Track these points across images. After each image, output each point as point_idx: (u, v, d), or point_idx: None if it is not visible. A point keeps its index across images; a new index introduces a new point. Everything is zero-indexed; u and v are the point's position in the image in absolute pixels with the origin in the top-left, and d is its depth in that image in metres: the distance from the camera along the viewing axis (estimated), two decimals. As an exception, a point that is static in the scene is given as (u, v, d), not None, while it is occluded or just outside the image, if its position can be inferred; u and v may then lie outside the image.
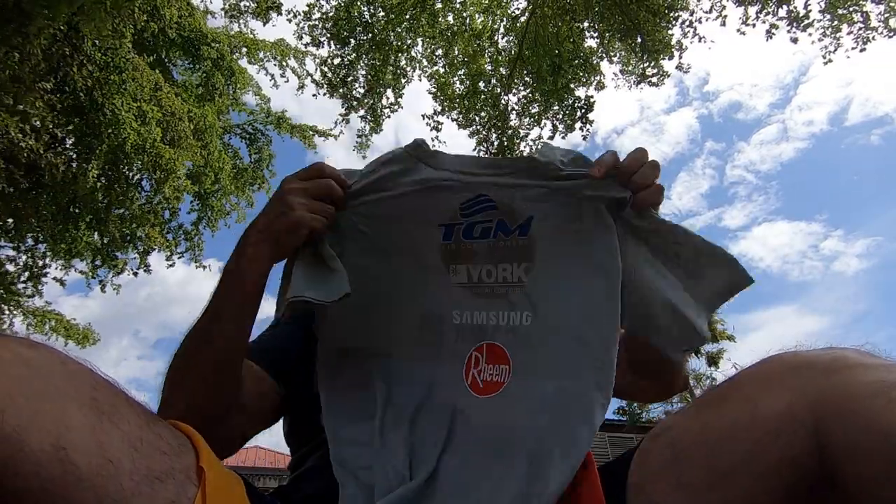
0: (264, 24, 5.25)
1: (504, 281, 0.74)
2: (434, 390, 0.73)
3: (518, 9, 6.58)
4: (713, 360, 15.21)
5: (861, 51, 5.51)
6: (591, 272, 0.71)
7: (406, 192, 0.77)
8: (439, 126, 6.56)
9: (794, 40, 5.61)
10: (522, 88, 6.65)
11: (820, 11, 5.52)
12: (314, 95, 6.29)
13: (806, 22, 5.53)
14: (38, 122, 4.03)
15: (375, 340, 0.79)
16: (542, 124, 6.55)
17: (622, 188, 0.69)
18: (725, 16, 5.91)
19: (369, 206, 0.79)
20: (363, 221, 0.79)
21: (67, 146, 4.83)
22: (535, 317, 0.72)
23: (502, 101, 6.63)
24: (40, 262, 5.57)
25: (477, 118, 6.68)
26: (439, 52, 6.48)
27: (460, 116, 6.67)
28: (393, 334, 0.78)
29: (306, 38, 5.98)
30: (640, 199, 0.68)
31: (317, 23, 5.88)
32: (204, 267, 6.12)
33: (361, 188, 0.79)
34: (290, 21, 5.88)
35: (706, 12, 5.95)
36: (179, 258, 6.02)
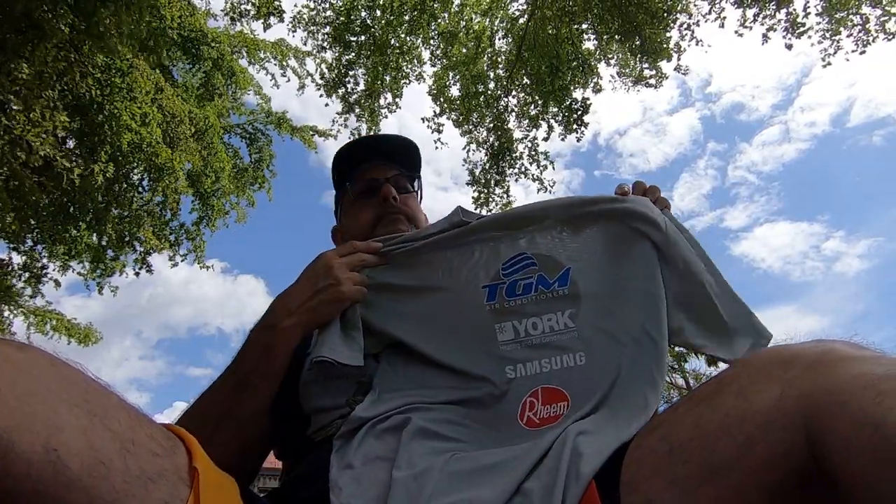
0: (265, 30, 5.26)
1: (551, 330, 0.79)
2: (484, 445, 0.71)
3: (518, 10, 6.59)
4: (713, 360, 15.19)
5: (861, 53, 5.50)
6: (634, 289, 0.80)
7: (444, 239, 0.85)
8: (440, 128, 6.57)
9: (789, 47, 5.62)
10: (520, 90, 6.65)
11: (817, 14, 5.51)
12: (321, 98, 6.30)
13: (801, 29, 5.53)
14: (51, 128, 4.06)
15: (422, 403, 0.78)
16: (540, 125, 6.56)
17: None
18: (724, 17, 5.91)
19: (410, 256, 0.85)
20: (401, 275, 0.85)
21: (69, 147, 4.84)
22: (589, 353, 0.77)
23: (501, 103, 6.63)
24: (38, 264, 5.57)
25: (472, 118, 6.69)
26: (438, 52, 6.48)
27: (461, 118, 6.67)
28: (447, 399, 0.78)
29: (302, 37, 5.99)
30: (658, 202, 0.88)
31: (316, 27, 5.89)
32: (207, 267, 6.13)
33: (401, 240, 0.87)
34: (293, 29, 5.90)
35: (704, 15, 5.95)
36: (183, 259, 6.02)
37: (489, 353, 0.80)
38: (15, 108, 3.70)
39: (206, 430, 0.72)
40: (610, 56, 6.61)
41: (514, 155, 6.63)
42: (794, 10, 5.57)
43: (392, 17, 5.86)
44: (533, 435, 0.71)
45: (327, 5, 5.90)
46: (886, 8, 5.27)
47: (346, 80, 6.20)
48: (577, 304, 0.80)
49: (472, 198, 6.79)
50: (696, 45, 5.93)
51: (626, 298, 0.80)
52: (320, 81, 6.30)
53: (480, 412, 0.76)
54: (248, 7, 5.31)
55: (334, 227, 1.16)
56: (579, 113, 6.20)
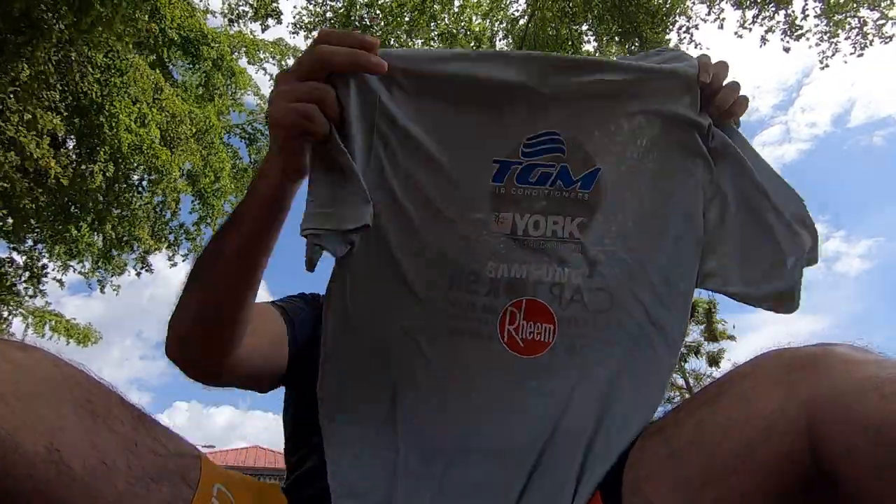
0: (263, 31, 5.27)
1: (553, 235, 0.66)
2: (460, 353, 0.64)
3: (518, 10, 6.60)
4: (714, 360, 15.19)
5: (858, 56, 5.53)
6: (665, 223, 0.68)
7: (472, 76, 0.64)
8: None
9: (787, 50, 5.65)
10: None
11: (816, 17, 5.53)
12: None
13: (799, 32, 5.55)
14: (48, 129, 4.07)
15: (392, 308, 0.66)
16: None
17: (700, 112, 0.67)
18: (723, 19, 5.93)
19: (423, 84, 0.64)
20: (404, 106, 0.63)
21: (69, 147, 4.85)
22: (589, 275, 0.66)
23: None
24: (39, 263, 5.58)
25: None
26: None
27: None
28: (415, 296, 0.65)
29: (303, 37, 6.01)
30: (724, 115, 0.68)
31: (316, 28, 5.90)
32: (209, 267, 6.12)
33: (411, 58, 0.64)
34: (294, 33, 5.91)
35: (703, 17, 5.96)
36: (184, 260, 6.03)
37: (473, 242, 0.66)
38: (12, 109, 3.70)
39: (195, 269, 0.68)
40: (610, 57, 6.63)
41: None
42: (793, 11, 5.59)
43: (392, 19, 5.86)
44: (521, 370, 0.64)
45: (327, 7, 5.91)
46: (884, 11, 5.29)
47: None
48: (592, 214, 0.66)
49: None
50: (695, 48, 5.95)
51: (653, 231, 0.68)
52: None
53: (468, 342, 0.65)
54: (246, 8, 5.32)
55: None
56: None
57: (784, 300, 0.67)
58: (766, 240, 0.67)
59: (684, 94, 0.67)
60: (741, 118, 0.70)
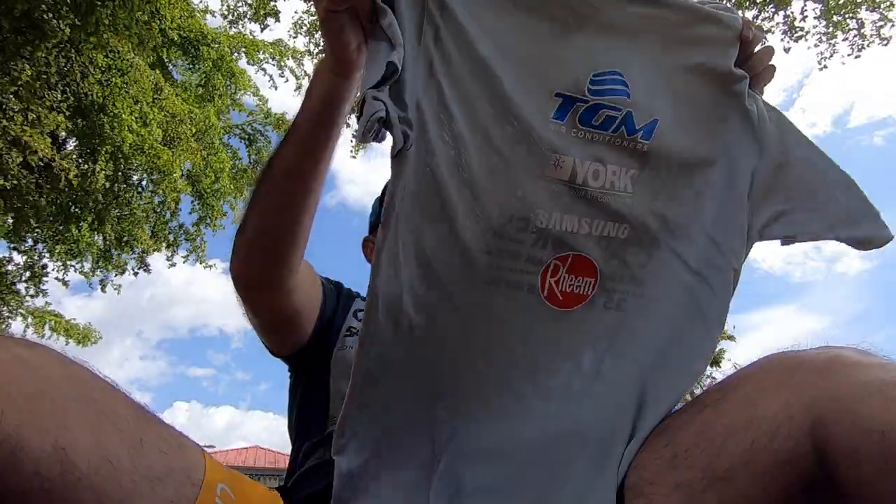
0: (262, 31, 5.29)
1: (611, 187, 0.60)
2: (494, 306, 0.59)
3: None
4: (714, 360, 15.18)
5: (856, 58, 5.53)
6: (710, 180, 0.64)
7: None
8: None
9: (787, 50, 5.65)
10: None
11: (815, 18, 5.53)
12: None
13: (799, 34, 5.56)
14: (50, 129, 4.08)
15: (436, 256, 0.58)
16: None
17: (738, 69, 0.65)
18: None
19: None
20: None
21: (70, 147, 4.86)
22: (636, 232, 0.62)
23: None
24: (39, 263, 5.59)
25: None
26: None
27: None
28: (457, 235, 0.57)
29: (304, 42, 6.02)
30: (752, 79, 0.66)
31: (316, 30, 5.92)
32: (210, 266, 6.16)
33: None
34: (294, 36, 5.92)
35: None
36: (185, 261, 6.04)
37: (527, 185, 0.58)
38: (14, 108, 3.71)
39: (256, 182, 0.76)
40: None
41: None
42: (792, 12, 5.59)
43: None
44: (557, 325, 0.60)
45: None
46: (883, 12, 5.29)
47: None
48: (644, 166, 0.62)
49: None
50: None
51: (699, 187, 0.64)
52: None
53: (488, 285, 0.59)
54: (245, 9, 5.33)
55: (366, 237, 1.07)
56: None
57: (874, 240, 0.68)
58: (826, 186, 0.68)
59: (728, 47, 0.64)
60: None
